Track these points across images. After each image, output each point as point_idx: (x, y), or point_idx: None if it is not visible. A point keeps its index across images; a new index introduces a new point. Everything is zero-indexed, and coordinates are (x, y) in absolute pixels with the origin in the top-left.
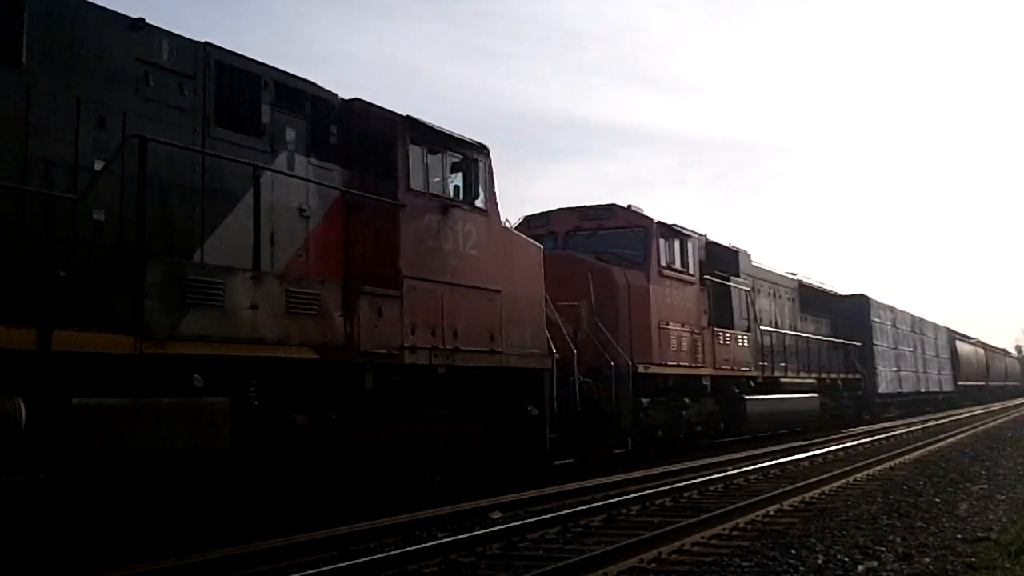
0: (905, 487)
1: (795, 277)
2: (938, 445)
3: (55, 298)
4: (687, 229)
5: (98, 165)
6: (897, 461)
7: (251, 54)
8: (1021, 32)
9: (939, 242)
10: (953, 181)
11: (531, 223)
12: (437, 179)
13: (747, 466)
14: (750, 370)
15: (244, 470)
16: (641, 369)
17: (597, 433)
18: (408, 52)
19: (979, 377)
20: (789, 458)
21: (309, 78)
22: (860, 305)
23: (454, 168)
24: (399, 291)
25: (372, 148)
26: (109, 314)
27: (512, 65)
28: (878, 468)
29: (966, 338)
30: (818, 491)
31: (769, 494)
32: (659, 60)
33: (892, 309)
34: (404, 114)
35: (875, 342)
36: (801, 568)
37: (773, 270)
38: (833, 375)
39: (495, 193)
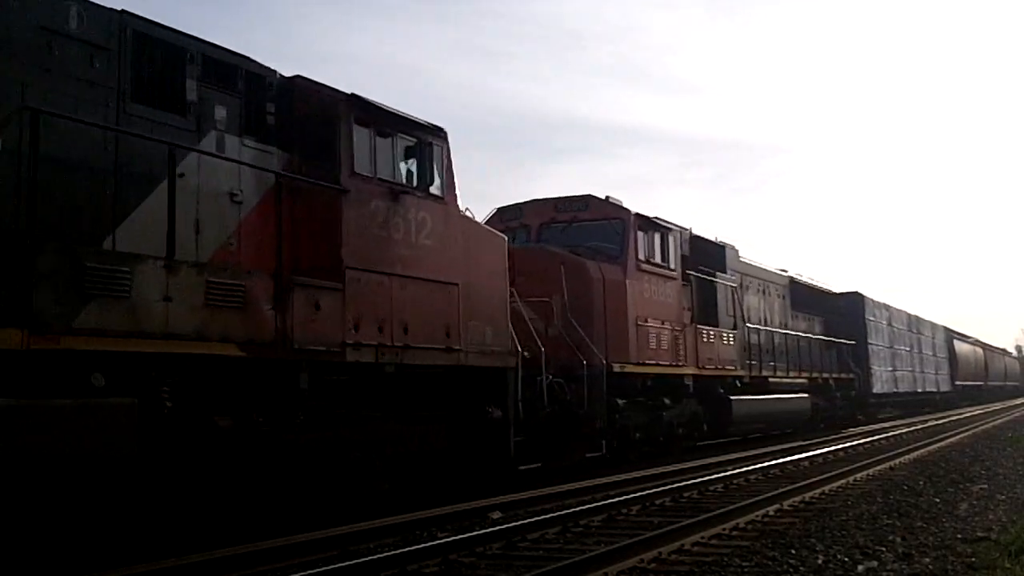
0: (905, 487)
1: (786, 274)
2: (938, 445)
3: None
4: (668, 222)
5: None
6: (897, 461)
7: (251, 54)
8: (1021, 32)
9: (939, 242)
10: (953, 181)
11: (504, 215)
12: (387, 163)
13: (747, 466)
14: (736, 369)
15: (155, 478)
16: (617, 368)
17: (568, 436)
18: (408, 52)
19: (977, 377)
20: (789, 458)
21: (243, 52)
22: (854, 303)
23: (408, 153)
24: (341, 283)
25: (314, 129)
26: None
27: (512, 65)
28: (878, 468)
29: (964, 337)
30: (818, 491)
31: (769, 494)
32: (659, 60)
33: (888, 307)
34: (349, 92)
35: (870, 341)
36: (801, 568)
37: (762, 266)
38: (825, 375)
39: (454, 180)
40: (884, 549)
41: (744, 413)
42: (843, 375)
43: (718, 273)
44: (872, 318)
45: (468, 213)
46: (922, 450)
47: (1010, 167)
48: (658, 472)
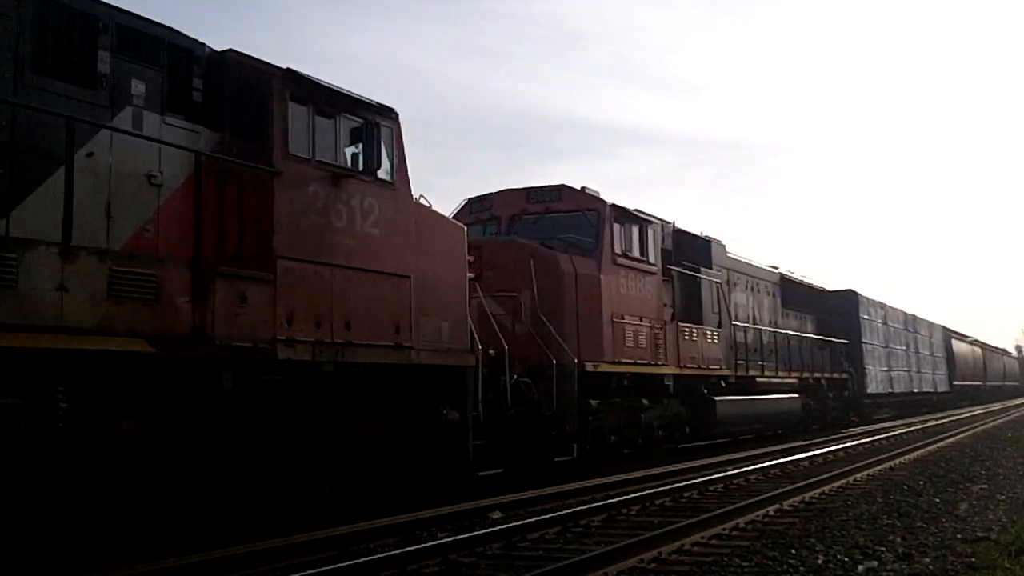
0: (905, 487)
1: (777, 270)
2: (938, 445)
3: None
4: (647, 214)
5: None
6: (897, 461)
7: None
8: (1020, 32)
9: (939, 242)
10: (953, 181)
11: (474, 206)
12: (328, 145)
13: (747, 466)
14: (720, 369)
15: (45, 484)
16: (590, 367)
17: (536, 439)
18: (408, 52)
19: (976, 377)
20: (789, 458)
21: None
22: (848, 301)
23: (354, 135)
24: (272, 274)
25: (246, 107)
26: None
27: (512, 65)
28: (878, 468)
29: (962, 337)
30: (818, 491)
31: (769, 494)
32: (659, 60)
33: (883, 306)
34: (284, 67)
35: (864, 340)
36: (801, 568)
37: (752, 262)
38: (817, 374)
39: (405, 164)
40: (884, 549)
41: (729, 414)
42: (836, 375)
43: (703, 269)
44: (867, 317)
45: (423, 201)
46: (922, 450)
47: (1011, 167)
48: (658, 472)
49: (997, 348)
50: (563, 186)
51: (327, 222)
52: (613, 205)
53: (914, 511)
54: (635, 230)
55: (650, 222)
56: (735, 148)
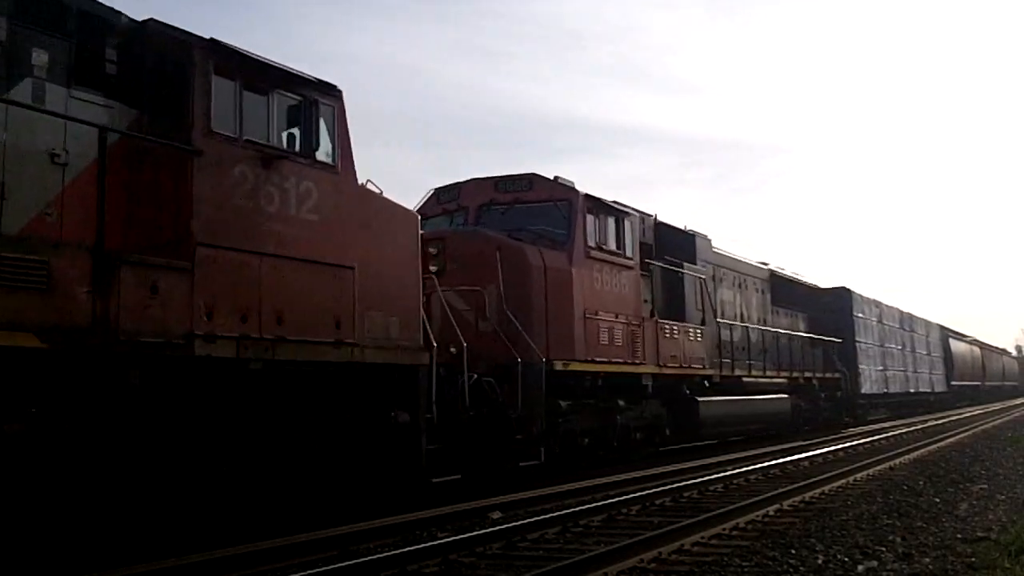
0: (905, 487)
1: (766, 267)
2: (938, 445)
3: None
4: (625, 205)
5: None
6: (897, 461)
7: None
8: (1019, 32)
9: (938, 242)
10: (954, 180)
11: (441, 197)
12: (259, 123)
13: (747, 466)
14: (703, 368)
15: None
16: (559, 366)
17: (499, 442)
18: (408, 52)
19: (974, 377)
20: (789, 458)
21: None
22: (841, 299)
23: (291, 113)
24: (189, 262)
25: (166, 81)
26: None
27: (512, 65)
28: (878, 468)
29: (960, 336)
30: (818, 491)
31: (769, 494)
32: (659, 60)
33: (878, 304)
34: (208, 37)
35: (858, 339)
36: (801, 568)
37: (739, 258)
38: (808, 374)
39: (350, 146)
40: (884, 549)
41: (713, 415)
42: (829, 375)
43: (686, 264)
44: (861, 315)
45: (371, 186)
46: (922, 450)
47: (1011, 167)
48: (658, 472)
49: (996, 348)
50: (534, 175)
51: (256, 207)
52: (587, 195)
53: (914, 511)
54: (611, 222)
55: (627, 214)
56: (735, 148)
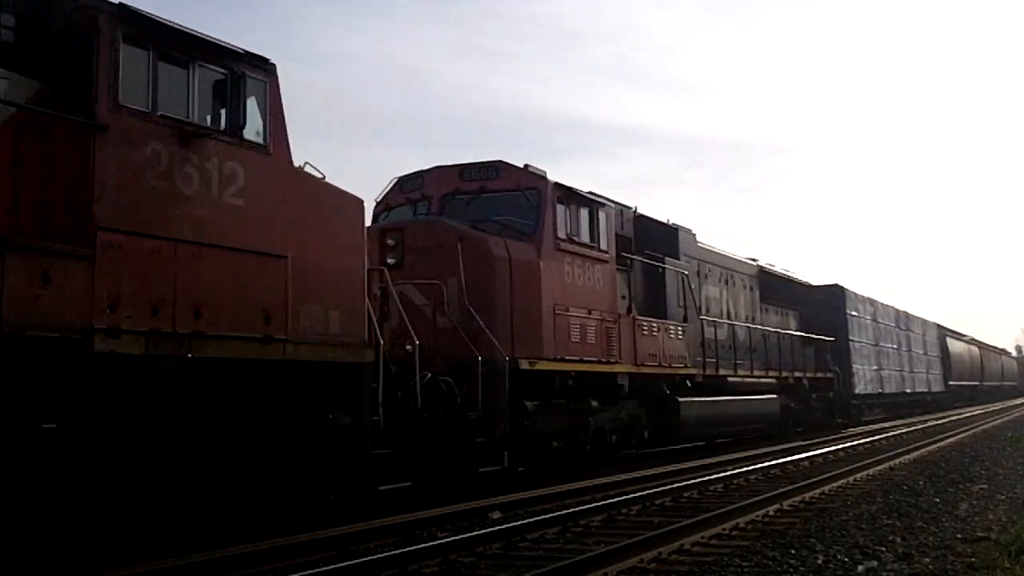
0: (905, 487)
1: (755, 263)
2: (938, 445)
3: None
4: (600, 196)
5: None
6: (897, 461)
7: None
8: (1019, 32)
9: (938, 242)
10: (954, 180)
11: (404, 186)
12: (177, 97)
13: (747, 466)
14: (685, 367)
15: None
16: (525, 365)
17: (458, 446)
18: (408, 52)
19: (973, 377)
20: (789, 458)
21: None
22: (834, 297)
23: (217, 88)
24: (89, 248)
25: (69, 51)
26: None
27: (512, 65)
28: (878, 468)
29: (958, 335)
30: (818, 491)
31: (769, 494)
32: (659, 60)
33: (873, 302)
34: (117, 2)
35: (851, 337)
36: (801, 568)
37: (726, 253)
38: (798, 374)
39: (284, 125)
40: (884, 549)
41: (695, 417)
42: (820, 374)
43: (668, 259)
44: (855, 313)
45: (310, 169)
46: (922, 450)
47: (1012, 167)
48: (658, 472)
49: (995, 348)
50: (501, 162)
51: (172, 188)
52: (557, 184)
53: (914, 511)
54: (584, 212)
55: (602, 204)
56: (735, 148)
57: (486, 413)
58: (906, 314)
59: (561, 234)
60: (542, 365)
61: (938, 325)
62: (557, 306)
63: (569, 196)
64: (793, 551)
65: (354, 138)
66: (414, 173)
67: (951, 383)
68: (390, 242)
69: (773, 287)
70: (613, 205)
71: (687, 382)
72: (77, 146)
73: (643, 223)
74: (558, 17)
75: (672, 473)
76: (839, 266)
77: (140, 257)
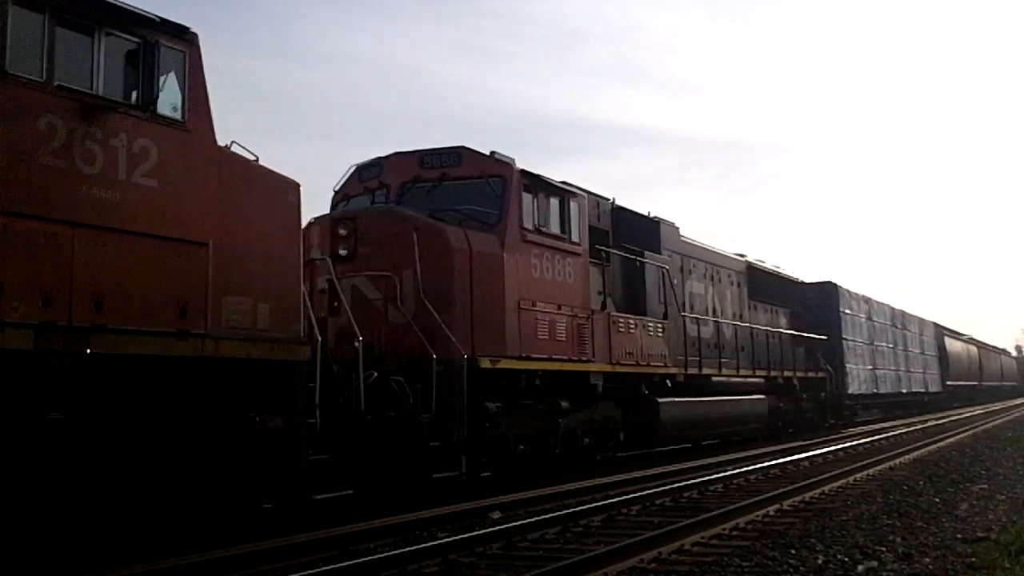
0: (905, 487)
1: (743, 258)
2: (938, 445)
3: None
4: (572, 185)
5: None
6: (897, 461)
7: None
8: (1018, 32)
9: (938, 242)
10: (954, 180)
11: (362, 174)
12: (79, 67)
13: (747, 466)
14: (664, 366)
15: None
16: (487, 363)
17: (409, 451)
18: (408, 52)
19: (971, 377)
20: (789, 458)
21: None
22: (827, 294)
23: (130, 58)
24: None
25: None
26: None
27: (512, 65)
28: (878, 468)
29: (957, 334)
30: (818, 491)
31: (769, 494)
32: (659, 60)
33: (867, 300)
34: None
35: (845, 336)
36: (801, 568)
37: (713, 248)
38: (788, 373)
39: (206, 100)
40: (884, 549)
41: (676, 418)
42: (812, 374)
43: (648, 252)
44: (848, 311)
45: (237, 149)
46: (922, 450)
47: (1013, 167)
48: (658, 472)
49: (994, 347)
50: (463, 148)
51: (71, 167)
52: (523, 171)
53: (914, 511)
54: (554, 202)
55: (573, 194)
56: (735, 148)
57: (441, 415)
58: (902, 313)
59: (528, 224)
60: (505, 364)
61: (936, 324)
62: (523, 301)
63: (537, 184)
64: (793, 551)
65: (355, 138)
66: (373, 160)
67: (949, 383)
68: (342, 232)
69: (763, 284)
70: (587, 195)
71: (667, 382)
72: None
73: (621, 215)
74: (558, 17)
75: (672, 473)
76: (839, 266)
77: (29, 242)
